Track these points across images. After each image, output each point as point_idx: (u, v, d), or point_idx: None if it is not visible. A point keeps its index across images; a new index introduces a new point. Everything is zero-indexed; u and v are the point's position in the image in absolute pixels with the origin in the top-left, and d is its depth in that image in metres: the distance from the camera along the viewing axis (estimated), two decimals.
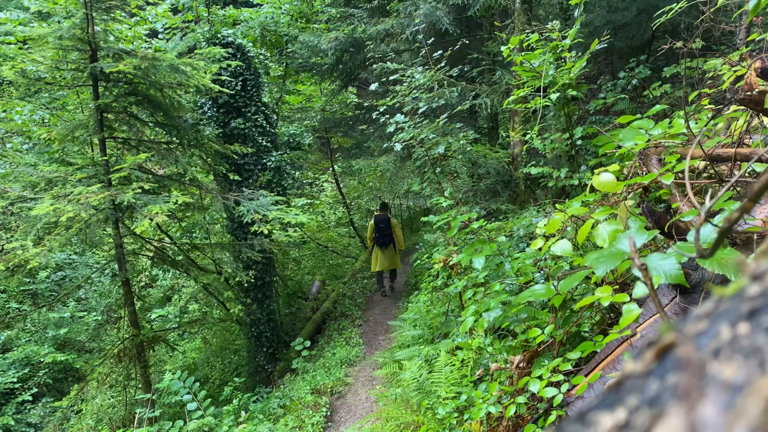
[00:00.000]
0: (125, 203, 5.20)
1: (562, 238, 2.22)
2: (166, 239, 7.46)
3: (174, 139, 6.45)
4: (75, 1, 5.73)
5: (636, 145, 2.33)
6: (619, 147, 2.45)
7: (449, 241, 5.73)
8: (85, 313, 10.84)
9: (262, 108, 8.09)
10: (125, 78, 5.77)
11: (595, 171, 2.25)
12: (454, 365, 3.98)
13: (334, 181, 13.68)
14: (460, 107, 6.24)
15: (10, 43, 7.94)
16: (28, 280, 10.56)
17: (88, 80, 5.74)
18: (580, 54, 4.22)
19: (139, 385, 6.34)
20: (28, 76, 5.75)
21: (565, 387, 2.33)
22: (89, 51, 5.55)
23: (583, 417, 0.29)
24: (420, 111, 5.51)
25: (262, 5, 10.00)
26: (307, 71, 10.09)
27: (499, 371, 3.01)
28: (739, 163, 2.44)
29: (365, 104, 7.48)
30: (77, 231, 5.25)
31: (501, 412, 2.71)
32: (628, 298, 1.76)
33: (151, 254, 6.67)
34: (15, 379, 9.04)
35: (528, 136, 5.33)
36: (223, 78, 7.35)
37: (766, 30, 5.45)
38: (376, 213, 9.11)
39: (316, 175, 14.07)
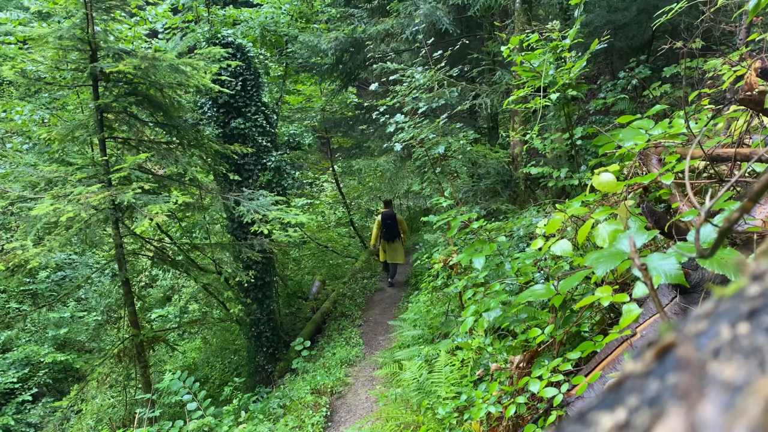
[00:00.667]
0: (125, 203, 5.20)
1: (562, 238, 2.22)
2: (166, 239, 7.46)
3: (174, 139, 6.45)
4: (75, 1, 5.73)
5: (636, 145, 2.33)
6: (619, 147, 2.45)
7: (449, 241, 5.73)
8: (85, 313, 10.84)
9: (262, 108, 8.09)
10: (125, 78, 5.77)
11: (595, 171, 2.25)
12: (454, 365, 3.98)
13: (334, 181, 13.68)
14: (460, 107, 6.24)
15: (10, 43, 7.93)
16: (28, 280, 10.56)
17: (88, 80, 5.74)
18: (580, 54, 4.22)
19: (139, 385, 6.34)
20: (28, 76, 5.75)
21: (565, 387, 2.33)
22: (89, 51, 5.55)
23: (583, 417, 0.29)
24: (420, 111, 5.51)
25: (262, 5, 10.00)
26: (307, 71, 10.09)
27: (499, 371, 3.01)
28: (739, 163, 2.44)
29: (365, 104, 7.48)
30: (77, 231, 5.25)
31: (501, 412, 2.71)
32: (628, 298, 1.76)
33: (151, 254, 6.67)
34: (15, 379, 9.04)
35: (528, 136, 5.33)
36: (223, 78, 7.35)
37: (766, 30, 5.45)
38: (382, 210, 9.29)
39: (316, 175, 14.07)
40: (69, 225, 5.21)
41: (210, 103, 7.80)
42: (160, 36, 10.14)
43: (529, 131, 5.37)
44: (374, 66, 6.87)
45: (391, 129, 5.62)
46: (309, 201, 11.90)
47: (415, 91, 5.68)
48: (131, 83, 5.91)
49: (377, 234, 9.10)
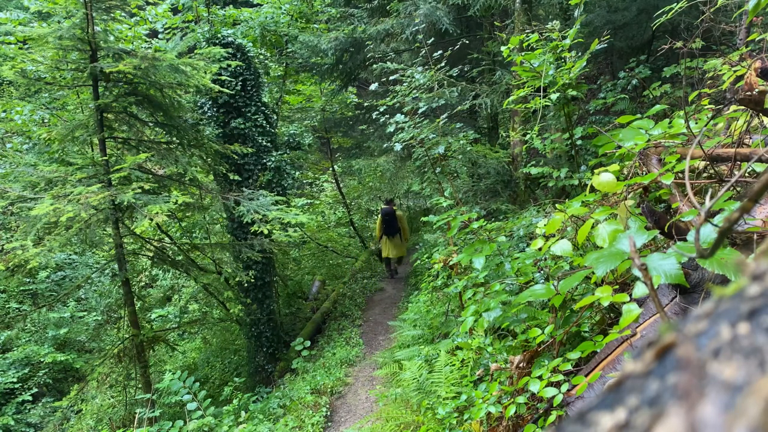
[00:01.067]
0: (125, 203, 5.20)
1: (562, 238, 2.22)
2: (166, 239, 7.46)
3: (174, 139, 6.45)
4: (75, 1, 5.73)
5: (636, 145, 2.33)
6: (619, 147, 2.45)
7: (449, 241, 5.73)
8: (85, 313, 10.84)
9: (262, 108, 8.09)
10: (125, 78, 5.77)
11: (595, 171, 2.25)
12: (454, 365, 3.98)
13: (334, 181, 13.68)
14: (460, 107, 6.24)
15: (10, 43, 7.93)
16: (28, 280, 10.56)
17: (88, 80, 5.74)
18: (580, 54, 4.22)
19: (139, 385, 6.34)
20: (28, 76, 5.75)
21: (565, 387, 2.33)
22: (89, 51, 5.55)
23: (583, 417, 0.29)
24: (420, 111, 5.51)
25: (262, 5, 10.00)
26: (307, 71, 10.09)
27: (499, 371, 3.01)
28: (739, 163, 2.44)
29: (365, 104, 7.48)
30: (77, 231, 5.25)
31: (501, 412, 2.71)
32: (628, 298, 1.76)
33: (151, 254, 6.67)
34: (15, 379, 9.04)
35: (528, 136, 5.33)
36: (223, 78, 7.35)
37: (766, 30, 5.45)
38: (383, 207, 9.75)
39: (316, 175, 14.06)
40: (69, 225, 5.21)
41: (210, 103, 7.79)
42: (160, 36, 10.14)
43: (529, 131, 5.37)
44: (374, 66, 6.87)
45: (391, 129, 5.62)
46: (309, 201, 11.91)
47: (415, 91, 5.67)
48: (131, 83, 5.91)
49: (380, 228, 9.52)
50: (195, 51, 6.81)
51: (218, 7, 10.07)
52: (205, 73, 6.14)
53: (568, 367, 2.36)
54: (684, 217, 1.76)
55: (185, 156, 6.35)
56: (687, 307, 2.09)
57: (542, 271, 3.38)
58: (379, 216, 9.58)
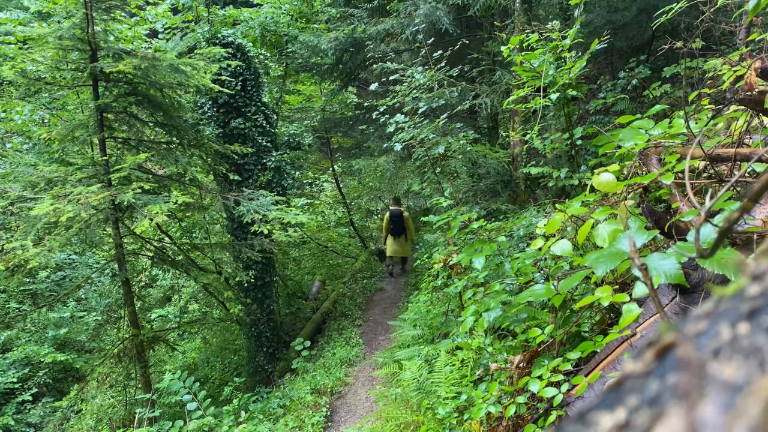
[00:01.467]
0: (125, 203, 5.19)
1: (562, 238, 2.22)
2: (166, 239, 7.46)
3: (174, 139, 6.45)
4: (75, 1, 5.73)
5: (636, 145, 2.33)
6: (619, 147, 2.45)
7: (449, 241, 5.73)
8: (85, 313, 10.83)
9: (262, 108, 8.09)
10: (125, 78, 5.77)
11: (595, 171, 2.25)
12: (454, 365, 3.98)
13: (334, 181, 13.68)
14: (460, 107, 6.24)
15: (10, 43, 7.93)
16: (28, 280, 10.55)
17: (88, 80, 5.74)
18: (580, 54, 4.22)
19: (139, 385, 6.34)
20: (28, 76, 5.75)
21: (565, 387, 2.33)
22: (89, 51, 5.55)
23: (583, 417, 0.29)
24: (420, 111, 5.51)
25: (262, 5, 10.00)
26: (307, 71, 10.10)
27: (499, 371, 3.01)
28: (739, 163, 2.44)
29: (365, 104, 7.47)
30: (77, 231, 5.25)
31: (501, 412, 2.71)
32: (628, 298, 1.76)
33: (151, 254, 6.66)
34: (15, 379, 9.04)
35: (528, 136, 5.33)
36: (223, 78, 7.34)
37: (766, 30, 5.45)
38: (391, 207, 9.93)
39: (316, 175, 14.07)
40: (69, 225, 5.21)
41: (210, 103, 7.79)
42: (160, 36, 10.14)
43: (529, 131, 5.38)
44: (374, 66, 6.87)
45: (391, 129, 5.62)
46: (309, 201, 11.91)
47: (415, 91, 5.67)
48: (131, 83, 5.90)
49: (386, 227, 9.67)
50: (195, 51, 6.81)
51: (218, 7, 10.07)
52: (205, 73, 6.13)
53: (568, 367, 2.36)
54: (684, 217, 1.76)
55: (185, 156, 6.35)
56: (687, 307, 2.09)
57: (542, 271, 3.38)
58: (387, 216, 9.68)
